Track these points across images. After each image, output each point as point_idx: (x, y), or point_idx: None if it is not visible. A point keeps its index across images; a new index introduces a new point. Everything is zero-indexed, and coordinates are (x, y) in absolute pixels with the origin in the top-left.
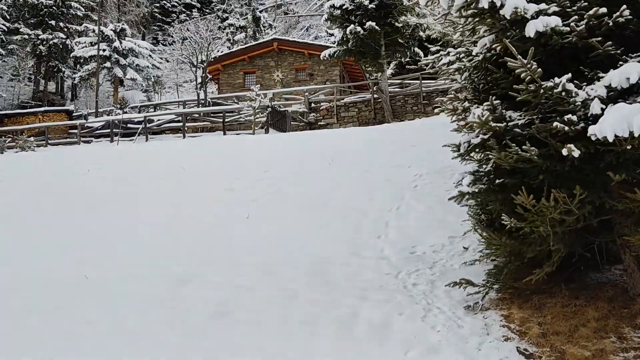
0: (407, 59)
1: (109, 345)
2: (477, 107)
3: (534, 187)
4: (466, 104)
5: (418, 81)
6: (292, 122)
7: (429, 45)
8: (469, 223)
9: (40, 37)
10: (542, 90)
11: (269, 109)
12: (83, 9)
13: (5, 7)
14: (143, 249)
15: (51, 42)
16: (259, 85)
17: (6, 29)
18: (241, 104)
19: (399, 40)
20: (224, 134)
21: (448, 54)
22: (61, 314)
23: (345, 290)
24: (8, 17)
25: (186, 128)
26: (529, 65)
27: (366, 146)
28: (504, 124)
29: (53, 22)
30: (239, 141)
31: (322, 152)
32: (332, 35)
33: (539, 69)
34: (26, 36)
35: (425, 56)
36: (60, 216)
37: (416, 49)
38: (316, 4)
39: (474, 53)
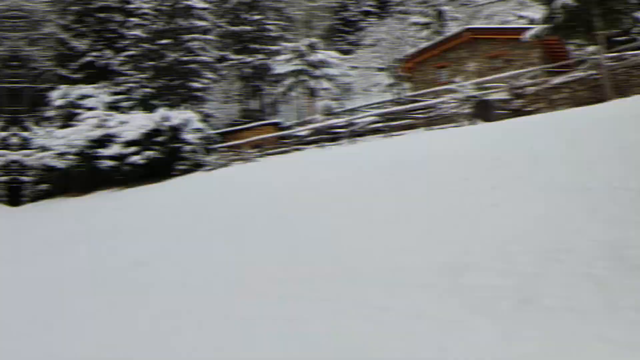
0: (620, 30)
1: (420, 329)
2: None
3: None
4: None
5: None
6: (496, 111)
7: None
8: None
9: (244, 61)
10: None
11: (473, 100)
12: (277, 30)
13: (214, 38)
14: (390, 241)
15: (253, 64)
16: (461, 77)
17: (218, 57)
18: (442, 97)
19: (616, 7)
20: (428, 129)
21: None
22: (350, 302)
23: None
24: (217, 47)
25: (388, 127)
26: None
27: (609, 123)
28: None
29: (255, 46)
30: (451, 134)
31: (553, 134)
32: (521, 17)
33: None
34: (233, 61)
35: None
36: (307, 213)
37: (638, 15)
38: None
39: None
